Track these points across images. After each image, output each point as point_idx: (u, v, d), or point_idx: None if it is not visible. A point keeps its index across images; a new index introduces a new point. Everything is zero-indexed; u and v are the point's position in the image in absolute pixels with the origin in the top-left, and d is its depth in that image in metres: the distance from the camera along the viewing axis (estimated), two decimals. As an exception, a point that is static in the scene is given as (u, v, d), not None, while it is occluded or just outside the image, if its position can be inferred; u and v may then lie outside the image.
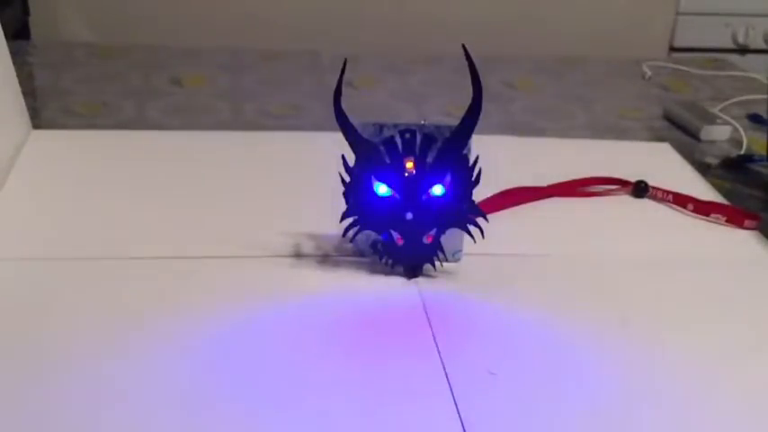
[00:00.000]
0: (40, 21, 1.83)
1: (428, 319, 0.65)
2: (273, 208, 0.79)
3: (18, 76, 0.90)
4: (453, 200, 0.67)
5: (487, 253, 0.71)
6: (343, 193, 0.67)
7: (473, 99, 0.65)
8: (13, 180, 0.81)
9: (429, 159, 0.66)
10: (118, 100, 1.07)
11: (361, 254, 0.71)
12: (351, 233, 0.68)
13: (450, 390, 0.57)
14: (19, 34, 1.75)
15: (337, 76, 0.64)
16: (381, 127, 0.66)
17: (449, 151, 0.66)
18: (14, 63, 0.89)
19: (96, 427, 0.53)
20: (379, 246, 0.69)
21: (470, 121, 0.66)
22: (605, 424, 0.56)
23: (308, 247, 0.73)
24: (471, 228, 0.68)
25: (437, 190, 0.67)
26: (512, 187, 0.82)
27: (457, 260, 0.71)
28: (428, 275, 0.70)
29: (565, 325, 0.65)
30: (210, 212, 0.78)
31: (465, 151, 0.66)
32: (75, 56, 1.22)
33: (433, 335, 0.63)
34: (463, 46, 0.64)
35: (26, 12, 1.81)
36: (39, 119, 0.97)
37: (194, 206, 0.79)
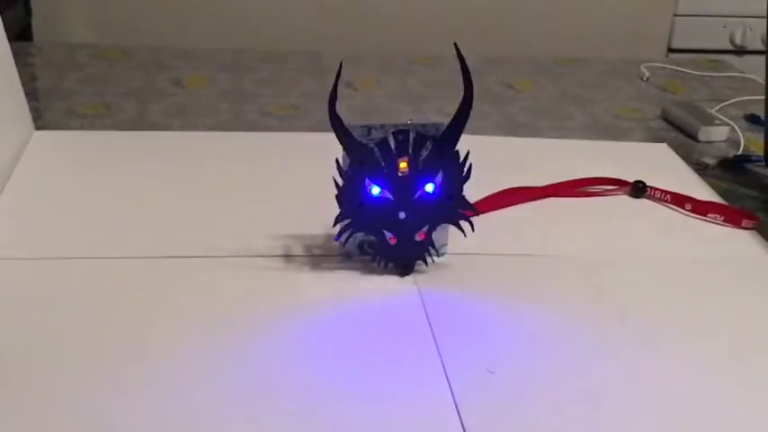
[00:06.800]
0: (43, 22, 1.83)
1: (428, 319, 0.65)
2: (273, 208, 0.80)
3: (20, 77, 0.91)
4: (445, 196, 0.67)
5: (487, 253, 0.71)
6: (336, 197, 0.66)
7: (464, 95, 0.65)
8: (16, 181, 0.81)
9: (422, 158, 0.66)
10: (119, 101, 1.07)
11: (347, 255, 0.71)
12: (344, 236, 0.68)
13: (450, 389, 0.57)
14: (21, 36, 1.75)
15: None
16: (369, 129, 0.66)
17: (441, 149, 0.66)
18: (17, 64, 0.90)
19: (97, 426, 0.53)
20: (366, 246, 0.69)
21: (462, 117, 0.65)
22: (605, 423, 0.56)
23: (308, 247, 0.73)
24: (462, 222, 0.68)
25: (429, 188, 0.67)
26: (511, 187, 0.83)
27: (442, 255, 0.71)
28: (428, 275, 0.70)
29: (564, 324, 0.66)
30: (211, 213, 0.79)
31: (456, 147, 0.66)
32: (77, 57, 1.22)
33: (433, 335, 0.63)
34: (455, 44, 0.64)
35: (28, 13, 1.82)
36: (41, 120, 0.97)
37: (195, 206, 0.80)
